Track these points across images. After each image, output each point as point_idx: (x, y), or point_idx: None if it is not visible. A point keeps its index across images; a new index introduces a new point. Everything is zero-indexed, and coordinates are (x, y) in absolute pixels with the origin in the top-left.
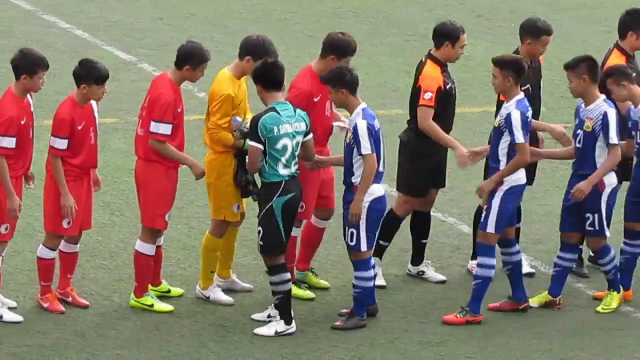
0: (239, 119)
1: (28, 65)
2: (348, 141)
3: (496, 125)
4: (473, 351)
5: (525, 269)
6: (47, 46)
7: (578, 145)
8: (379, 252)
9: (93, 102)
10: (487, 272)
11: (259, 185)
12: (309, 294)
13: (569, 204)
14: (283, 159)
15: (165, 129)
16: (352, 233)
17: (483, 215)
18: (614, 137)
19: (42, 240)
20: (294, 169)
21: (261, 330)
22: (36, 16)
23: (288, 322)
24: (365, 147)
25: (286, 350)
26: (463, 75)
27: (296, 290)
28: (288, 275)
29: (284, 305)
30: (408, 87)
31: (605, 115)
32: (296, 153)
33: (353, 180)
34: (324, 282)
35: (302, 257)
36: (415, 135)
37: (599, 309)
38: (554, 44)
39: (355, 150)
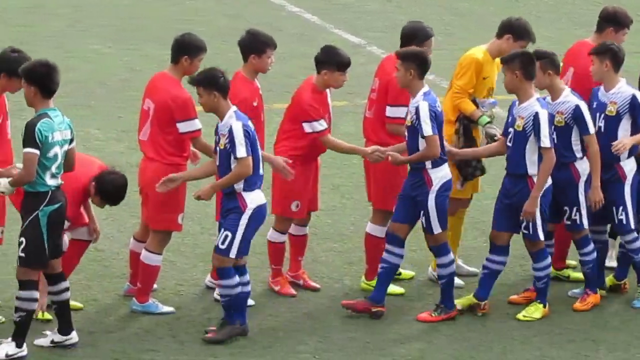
0: (491, 100)
1: (256, 45)
2: (222, 147)
3: (409, 124)
4: None
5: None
6: (276, 30)
7: (509, 144)
8: None
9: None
10: (449, 269)
11: (58, 194)
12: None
13: (502, 204)
14: (53, 168)
15: (402, 112)
16: (226, 236)
17: (423, 220)
18: (545, 140)
19: (272, 224)
20: (60, 179)
21: None
22: (265, 0)
23: (19, 345)
24: (240, 150)
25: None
26: None
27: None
28: (37, 294)
29: (23, 325)
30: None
31: (536, 116)
32: (62, 162)
33: (235, 187)
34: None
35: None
36: None
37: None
38: None
39: (232, 154)
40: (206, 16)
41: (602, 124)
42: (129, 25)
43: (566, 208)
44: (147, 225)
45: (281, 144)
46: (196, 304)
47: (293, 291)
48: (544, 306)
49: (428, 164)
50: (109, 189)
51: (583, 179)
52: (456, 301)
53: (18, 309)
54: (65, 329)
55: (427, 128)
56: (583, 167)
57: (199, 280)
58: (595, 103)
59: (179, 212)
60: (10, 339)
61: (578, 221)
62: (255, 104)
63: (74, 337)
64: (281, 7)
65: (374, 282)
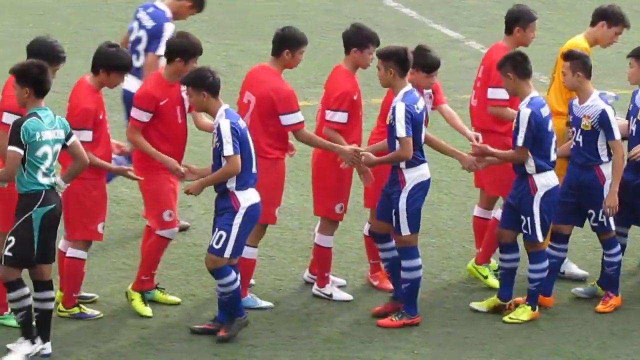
0: (614, 94)
1: (359, 39)
2: (214, 146)
3: (388, 122)
4: None
5: None
6: (374, 24)
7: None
8: None
9: None
10: (414, 274)
11: (52, 195)
12: None
13: (507, 202)
14: (43, 167)
15: (502, 93)
16: (220, 236)
17: (393, 219)
18: (520, 140)
19: (368, 218)
20: (53, 179)
21: (11, 359)
22: None
23: (34, 341)
24: (227, 148)
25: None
26: None
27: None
28: (27, 290)
29: (27, 322)
30: None
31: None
32: (54, 162)
33: (228, 186)
34: None
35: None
36: None
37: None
38: None
39: (221, 152)
40: (305, 11)
41: (634, 128)
42: (229, 20)
43: (591, 211)
44: None
45: (375, 139)
46: (295, 299)
47: (391, 286)
48: (533, 309)
49: (402, 164)
50: None
51: (608, 181)
52: (479, 303)
53: (16, 310)
54: (45, 337)
55: (400, 130)
56: (608, 170)
57: (297, 275)
58: (631, 106)
59: (276, 205)
60: (22, 338)
61: (605, 223)
62: (355, 97)
63: (47, 347)
64: (379, 1)
65: (481, 269)
